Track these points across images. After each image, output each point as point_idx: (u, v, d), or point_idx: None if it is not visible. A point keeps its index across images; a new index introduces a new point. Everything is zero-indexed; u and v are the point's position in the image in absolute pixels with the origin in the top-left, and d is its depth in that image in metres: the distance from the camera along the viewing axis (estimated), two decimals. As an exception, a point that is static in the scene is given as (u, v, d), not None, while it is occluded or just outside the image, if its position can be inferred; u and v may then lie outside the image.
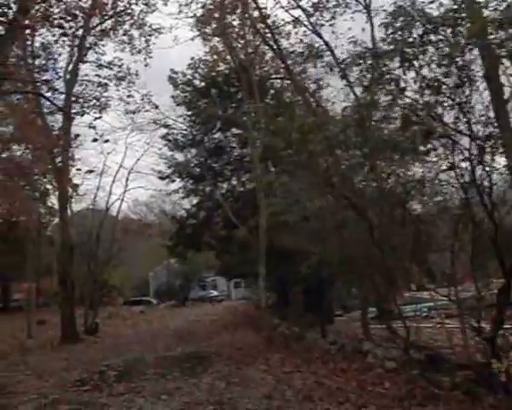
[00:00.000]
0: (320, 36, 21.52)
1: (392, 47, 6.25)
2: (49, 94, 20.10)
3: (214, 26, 24.12)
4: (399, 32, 6.14)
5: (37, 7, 12.43)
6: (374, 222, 7.06)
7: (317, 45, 21.84)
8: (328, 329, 16.05)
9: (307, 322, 16.95)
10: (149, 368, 12.62)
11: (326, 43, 21.32)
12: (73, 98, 15.24)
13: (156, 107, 20.89)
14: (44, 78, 16.85)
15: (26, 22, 11.67)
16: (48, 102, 22.58)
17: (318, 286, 18.71)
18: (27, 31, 14.69)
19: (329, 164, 7.13)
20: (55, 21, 14.42)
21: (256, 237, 15.86)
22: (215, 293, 49.14)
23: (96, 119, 15.27)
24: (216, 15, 23.42)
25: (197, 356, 14.00)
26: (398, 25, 6.16)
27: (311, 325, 16.65)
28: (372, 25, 19.96)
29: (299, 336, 15.02)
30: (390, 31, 6.28)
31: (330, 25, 21.46)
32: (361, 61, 6.47)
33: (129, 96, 22.71)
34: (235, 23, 23.88)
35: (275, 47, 22.09)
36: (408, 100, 6.44)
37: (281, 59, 22.08)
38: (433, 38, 5.99)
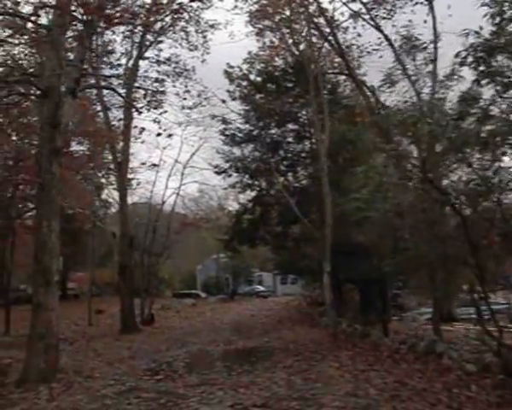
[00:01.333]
0: (380, 30, 21.14)
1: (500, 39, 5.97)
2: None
3: (268, 21, 24.05)
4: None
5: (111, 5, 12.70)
6: (468, 218, 6.82)
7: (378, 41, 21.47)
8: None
9: (368, 320, 16.70)
10: (216, 361, 12.77)
11: (386, 37, 20.92)
12: (143, 93, 15.67)
13: (223, 101, 21.09)
14: (107, 73, 17.25)
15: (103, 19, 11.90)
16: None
17: (378, 284, 18.48)
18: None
19: (427, 158, 6.94)
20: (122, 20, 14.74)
21: (320, 233, 15.72)
22: (261, 288, 49.22)
23: (160, 113, 15.63)
24: (270, 10, 23.35)
25: (262, 351, 14.03)
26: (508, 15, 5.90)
27: (371, 323, 16.39)
28: (434, 17, 19.43)
29: (362, 334, 14.81)
30: (497, 21, 6.02)
31: (389, 18, 21.08)
32: (473, 54, 6.20)
33: (186, 92, 22.94)
34: (292, 18, 23.74)
35: (333, 41, 21.88)
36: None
37: (340, 53, 21.82)
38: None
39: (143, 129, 16.02)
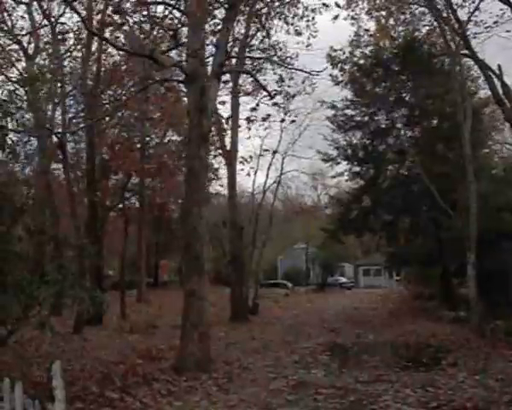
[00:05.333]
0: (508, 2, 19.47)
1: None
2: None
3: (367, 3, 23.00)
4: None
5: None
6: None
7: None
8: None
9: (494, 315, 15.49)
10: (360, 355, 12.21)
11: (513, 9, 19.24)
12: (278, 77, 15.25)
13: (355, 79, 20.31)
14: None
15: None
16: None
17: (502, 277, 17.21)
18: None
19: None
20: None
21: (453, 222, 14.74)
22: (343, 279, 48.20)
23: (287, 98, 15.10)
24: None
25: (402, 345, 13.36)
26: None
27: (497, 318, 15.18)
28: None
29: (508, 331, 13.67)
30: None
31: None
32: None
33: (290, 79, 22.28)
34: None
35: (451, 18, 20.44)
36: None
37: (460, 32, 20.38)
38: None
39: (269, 115, 15.60)
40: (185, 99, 22.88)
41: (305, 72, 11.70)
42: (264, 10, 22.21)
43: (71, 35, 17.07)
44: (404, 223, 22.13)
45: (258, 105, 14.61)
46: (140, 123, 24.27)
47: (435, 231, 20.04)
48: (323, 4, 22.01)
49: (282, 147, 25.58)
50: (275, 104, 14.35)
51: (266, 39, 21.98)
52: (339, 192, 33.35)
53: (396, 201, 21.43)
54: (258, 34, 22.61)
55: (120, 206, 31.09)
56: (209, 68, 12.39)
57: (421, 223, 20.91)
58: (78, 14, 10.08)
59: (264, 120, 15.92)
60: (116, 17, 13.95)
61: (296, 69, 12.16)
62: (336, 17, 24.19)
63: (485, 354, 10.87)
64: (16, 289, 8.41)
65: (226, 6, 11.83)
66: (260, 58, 16.76)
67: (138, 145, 25.68)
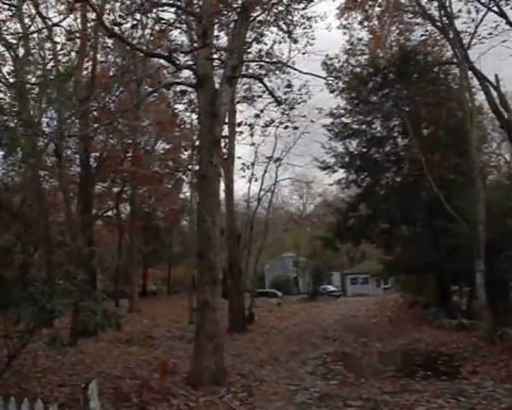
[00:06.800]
0: (503, 14, 19.65)
1: None
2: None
3: (360, 13, 23.11)
4: None
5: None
6: None
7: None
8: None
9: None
10: (373, 364, 12.03)
11: (510, 23, 19.45)
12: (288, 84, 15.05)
13: (351, 87, 20.20)
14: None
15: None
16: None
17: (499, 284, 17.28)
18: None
19: None
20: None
21: (460, 229, 14.65)
22: (331, 288, 47.92)
23: (291, 108, 14.95)
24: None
25: (413, 354, 13.22)
26: None
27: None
28: None
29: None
30: None
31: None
32: None
33: (287, 87, 22.06)
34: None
35: (447, 28, 20.55)
36: None
37: (457, 43, 20.47)
38: None
39: (272, 121, 15.36)
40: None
41: (317, 76, 11.45)
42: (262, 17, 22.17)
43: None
44: (401, 231, 22.06)
45: (262, 111, 14.42)
46: (132, 130, 23.91)
47: (434, 239, 20.01)
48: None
49: (275, 154, 25.26)
50: (290, 109, 14.11)
51: (264, 46, 21.88)
52: (327, 201, 33.32)
53: (394, 209, 21.37)
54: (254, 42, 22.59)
55: (107, 214, 30.57)
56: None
57: (419, 230, 20.86)
58: (95, 11, 9.68)
59: (266, 126, 15.67)
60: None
61: (308, 74, 11.83)
62: (329, 26, 24.42)
63: (504, 362, 10.75)
64: (28, 302, 7.98)
65: (239, 10, 11.58)
66: (275, 63, 16.45)
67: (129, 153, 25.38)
